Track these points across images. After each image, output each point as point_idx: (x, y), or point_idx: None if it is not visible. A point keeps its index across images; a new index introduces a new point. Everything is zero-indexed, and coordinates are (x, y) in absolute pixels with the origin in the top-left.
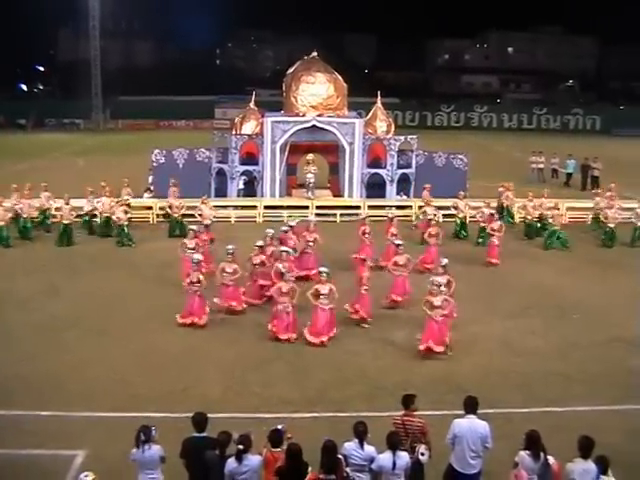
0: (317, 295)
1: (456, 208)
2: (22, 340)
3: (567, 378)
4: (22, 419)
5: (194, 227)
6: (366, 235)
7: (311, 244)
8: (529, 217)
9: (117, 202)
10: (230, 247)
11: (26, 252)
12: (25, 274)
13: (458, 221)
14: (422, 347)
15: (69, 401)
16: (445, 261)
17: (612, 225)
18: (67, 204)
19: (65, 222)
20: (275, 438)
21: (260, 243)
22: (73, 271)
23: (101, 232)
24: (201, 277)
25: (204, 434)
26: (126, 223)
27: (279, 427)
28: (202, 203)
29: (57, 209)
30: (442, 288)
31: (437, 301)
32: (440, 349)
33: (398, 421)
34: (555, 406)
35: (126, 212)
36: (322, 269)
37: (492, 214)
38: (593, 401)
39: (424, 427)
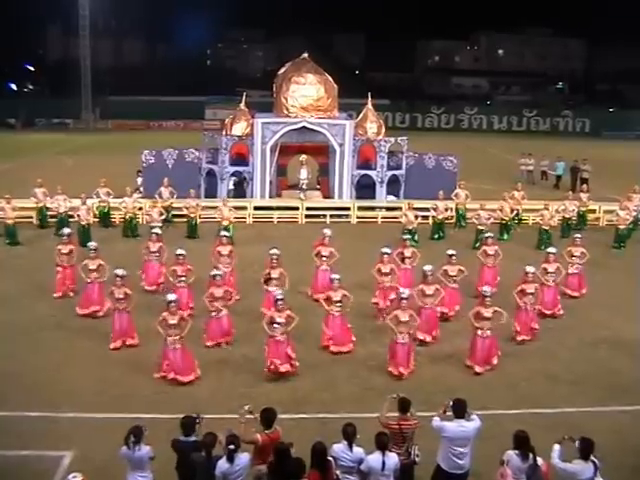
0: (329, 302)
1: (435, 209)
2: (7, 340)
3: (554, 379)
4: (9, 420)
5: (157, 230)
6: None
7: (325, 259)
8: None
9: (152, 203)
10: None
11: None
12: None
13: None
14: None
15: (56, 402)
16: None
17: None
18: (84, 204)
19: (82, 223)
20: (267, 419)
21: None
22: None
23: (125, 233)
24: (128, 292)
25: (192, 438)
26: (160, 224)
27: (246, 407)
28: (223, 205)
29: (73, 209)
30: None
31: (487, 313)
32: (481, 369)
33: (394, 425)
34: (543, 407)
35: (161, 213)
36: (334, 276)
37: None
38: (580, 402)
39: (416, 426)
